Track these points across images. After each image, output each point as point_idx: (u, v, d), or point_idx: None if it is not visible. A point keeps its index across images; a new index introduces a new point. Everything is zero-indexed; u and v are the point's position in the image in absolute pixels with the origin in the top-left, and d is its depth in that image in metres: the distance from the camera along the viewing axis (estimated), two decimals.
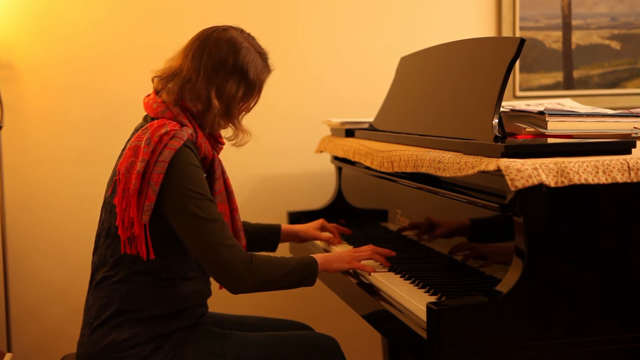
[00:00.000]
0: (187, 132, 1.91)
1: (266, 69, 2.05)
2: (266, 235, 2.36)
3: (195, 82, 1.94)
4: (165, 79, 1.98)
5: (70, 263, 3.09)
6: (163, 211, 1.87)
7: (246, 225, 2.32)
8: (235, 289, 1.89)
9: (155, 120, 1.93)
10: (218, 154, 2.06)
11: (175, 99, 1.95)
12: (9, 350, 2.98)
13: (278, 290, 1.96)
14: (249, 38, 2.03)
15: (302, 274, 1.96)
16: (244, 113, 2.05)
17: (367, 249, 2.12)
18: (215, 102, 1.94)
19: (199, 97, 1.94)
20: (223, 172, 2.06)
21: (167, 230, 1.89)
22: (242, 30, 2.04)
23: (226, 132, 2.08)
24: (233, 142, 2.06)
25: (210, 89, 1.94)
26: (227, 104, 1.97)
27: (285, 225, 2.41)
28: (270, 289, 1.94)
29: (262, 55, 2.04)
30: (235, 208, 2.06)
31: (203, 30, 2.02)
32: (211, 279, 2.08)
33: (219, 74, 1.95)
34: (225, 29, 2.01)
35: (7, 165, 3.01)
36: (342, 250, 2.18)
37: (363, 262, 2.09)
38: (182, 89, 1.94)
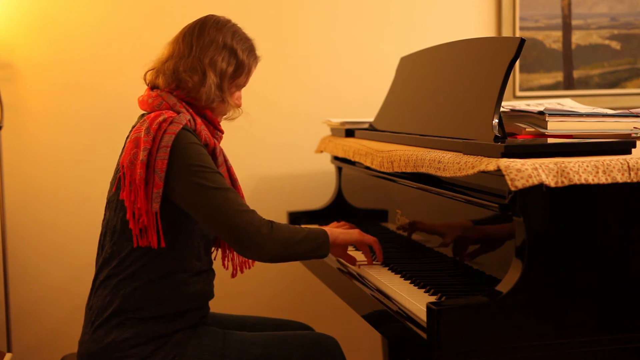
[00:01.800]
0: (185, 117, 1.93)
1: (254, 54, 2.08)
2: None
3: (189, 56, 1.99)
4: (160, 66, 2.01)
5: (70, 263, 3.09)
6: (172, 195, 1.88)
7: None
8: (262, 252, 1.87)
9: (152, 112, 1.95)
10: (219, 142, 2.07)
11: (170, 84, 1.98)
12: (9, 350, 2.98)
13: (298, 258, 1.95)
14: (236, 25, 2.08)
15: (317, 241, 1.95)
16: (234, 91, 2.07)
17: (372, 237, 2.12)
18: (211, 73, 1.98)
19: (194, 69, 1.97)
20: (226, 160, 2.06)
21: (174, 220, 1.90)
22: (229, 20, 2.08)
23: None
24: (225, 116, 2.10)
25: (204, 60, 1.98)
26: (220, 77, 2.00)
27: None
28: (291, 255, 1.92)
29: (250, 42, 2.08)
30: (242, 196, 2.06)
31: (191, 22, 2.07)
32: (214, 280, 2.08)
33: (211, 48, 1.99)
34: (212, 15, 2.07)
35: (7, 165, 3.01)
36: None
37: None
38: (177, 64, 1.98)
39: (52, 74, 3.06)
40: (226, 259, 2.15)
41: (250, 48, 2.07)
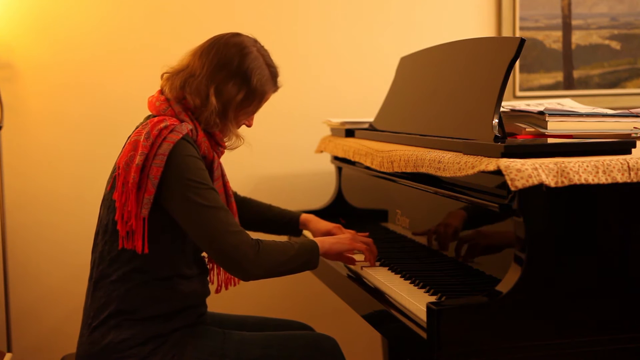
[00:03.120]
0: (187, 127, 1.91)
1: (272, 82, 2.04)
2: (285, 225, 2.36)
3: (197, 77, 1.96)
4: (172, 75, 2.00)
5: (70, 263, 3.09)
6: (165, 204, 1.87)
7: (268, 211, 2.34)
8: (246, 275, 1.88)
9: (156, 117, 1.94)
10: (219, 157, 2.06)
11: (177, 96, 1.97)
12: (9, 350, 2.98)
13: (284, 275, 1.95)
14: (262, 49, 2.04)
15: (306, 256, 1.96)
16: (242, 119, 2.04)
17: (366, 240, 2.13)
18: (213, 100, 1.95)
19: (198, 92, 1.95)
20: (223, 175, 2.06)
21: (165, 224, 1.89)
22: (256, 40, 2.05)
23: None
24: (226, 145, 2.07)
25: (210, 86, 1.95)
26: (224, 105, 1.98)
27: (304, 216, 2.36)
28: (278, 274, 1.93)
29: (271, 68, 2.04)
30: (234, 212, 2.06)
31: (218, 34, 2.03)
32: (209, 279, 2.08)
33: (221, 73, 1.96)
34: (238, 34, 2.03)
35: (7, 165, 3.01)
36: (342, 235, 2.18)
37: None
38: (184, 82, 1.96)
39: (52, 74, 3.06)
40: (212, 272, 2.14)
41: (268, 77, 2.02)
